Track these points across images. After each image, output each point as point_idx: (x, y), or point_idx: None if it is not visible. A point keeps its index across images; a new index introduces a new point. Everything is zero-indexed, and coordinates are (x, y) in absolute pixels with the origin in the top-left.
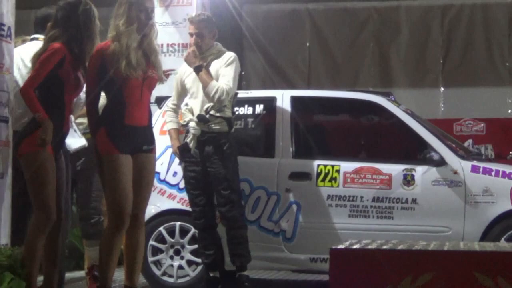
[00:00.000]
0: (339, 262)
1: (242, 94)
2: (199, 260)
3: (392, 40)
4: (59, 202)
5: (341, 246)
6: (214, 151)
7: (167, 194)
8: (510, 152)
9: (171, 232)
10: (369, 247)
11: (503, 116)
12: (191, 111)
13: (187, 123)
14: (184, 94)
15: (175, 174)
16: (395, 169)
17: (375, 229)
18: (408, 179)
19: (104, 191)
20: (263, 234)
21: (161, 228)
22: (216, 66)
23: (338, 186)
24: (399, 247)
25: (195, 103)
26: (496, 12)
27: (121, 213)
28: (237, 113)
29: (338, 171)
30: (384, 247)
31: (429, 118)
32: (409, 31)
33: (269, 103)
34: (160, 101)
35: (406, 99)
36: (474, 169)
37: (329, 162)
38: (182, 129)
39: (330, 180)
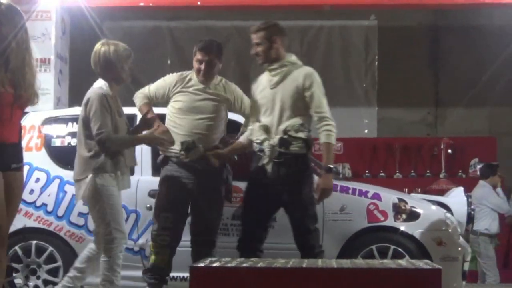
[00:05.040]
0: (199, 280)
1: None
2: (56, 280)
3: (253, 59)
4: None
5: (201, 264)
6: (290, 175)
7: (23, 212)
8: (366, 171)
9: (27, 251)
10: (229, 265)
11: (359, 135)
12: (265, 129)
13: (261, 142)
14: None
15: (31, 191)
16: None
17: (235, 247)
18: None
19: None
20: (123, 253)
21: (16, 247)
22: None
23: None
24: (259, 265)
25: (270, 121)
26: (354, 34)
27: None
28: None
29: None
30: (244, 265)
31: None
32: None
33: (129, 120)
34: None
35: None
36: (332, 188)
37: None
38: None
39: None
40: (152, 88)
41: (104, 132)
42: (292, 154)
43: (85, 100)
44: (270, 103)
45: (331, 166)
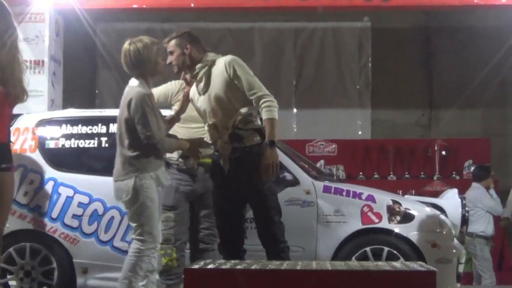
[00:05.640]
0: (193, 283)
1: (95, 113)
2: (50, 282)
3: (245, 61)
4: None
5: (195, 266)
6: (247, 168)
7: (17, 214)
8: (360, 173)
9: (22, 253)
10: (224, 267)
11: (353, 137)
12: (215, 128)
13: (215, 142)
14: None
15: (25, 193)
16: None
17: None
18: None
19: None
20: (116, 254)
21: (10, 249)
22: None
23: None
24: (253, 267)
25: (218, 120)
26: (347, 36)
27: None
28: (90, 132)
29: None
30: (238, 267)
31: (282, 139)
32: (262, 52)
33: None
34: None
35: None
36: (326, 189)
37: None
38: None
39: None
40: (155, 92)
41: (154, 134)
42: (247, 147)
43: (126, 101)
44: (210, 106)
45: (273, 140)
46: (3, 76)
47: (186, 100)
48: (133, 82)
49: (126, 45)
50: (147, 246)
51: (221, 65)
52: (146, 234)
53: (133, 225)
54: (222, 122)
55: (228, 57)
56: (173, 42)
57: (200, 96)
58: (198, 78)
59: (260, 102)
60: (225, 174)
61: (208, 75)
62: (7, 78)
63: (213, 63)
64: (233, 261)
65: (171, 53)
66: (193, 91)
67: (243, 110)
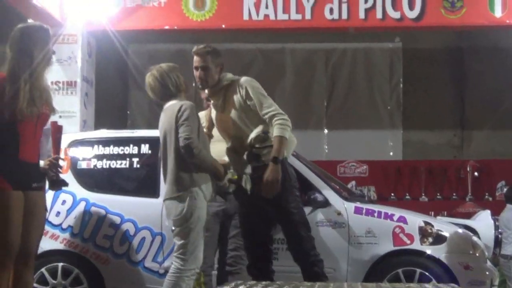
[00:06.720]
0: None
1: (127, 133)
2: None
3: (276, 82)
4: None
5: (226, 287)
6: None
7: (49, 234)
8: (392, 194)
9: (53, 273)
10: None
11: (385, 158)
12: (233, 150)
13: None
14: None
15: (58, 214)
16: None
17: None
18: None
19: None
20: (148, 275)
21: (43, 269)
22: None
23: None
24: None
25: (235, 141)
26: (378, 56)
27: (9, 249)
28: (122, 152)
29: None
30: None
31: (313, 159)
32: (293, 73)
33: (154, 143)
34: None
35: None
36: (357, 211)
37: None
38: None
39: None
40: None
41: (193, 139)
42: (266, 165)
43: (174, 113)
44: (226, 125)
45: (276, 156)
46: (45, 97)
47: (210, 119)
48: (172, 101)
49: (147, 77)
50: (188, 266)
51: (235, 85)
52: (188, 254)
53: (178, 243)
54: (239, 142)
55: (242, 78)
56: (209, 57)
57: (217, 116)
58: (214, 98)
59: (273, 120)
60: (248, 195)
61: (225, 96)
62: (46, 98)
63: (230, 83)
64: (264, 282)
65: (205, 68)
66: (212, 108)
67: (258, 129)
